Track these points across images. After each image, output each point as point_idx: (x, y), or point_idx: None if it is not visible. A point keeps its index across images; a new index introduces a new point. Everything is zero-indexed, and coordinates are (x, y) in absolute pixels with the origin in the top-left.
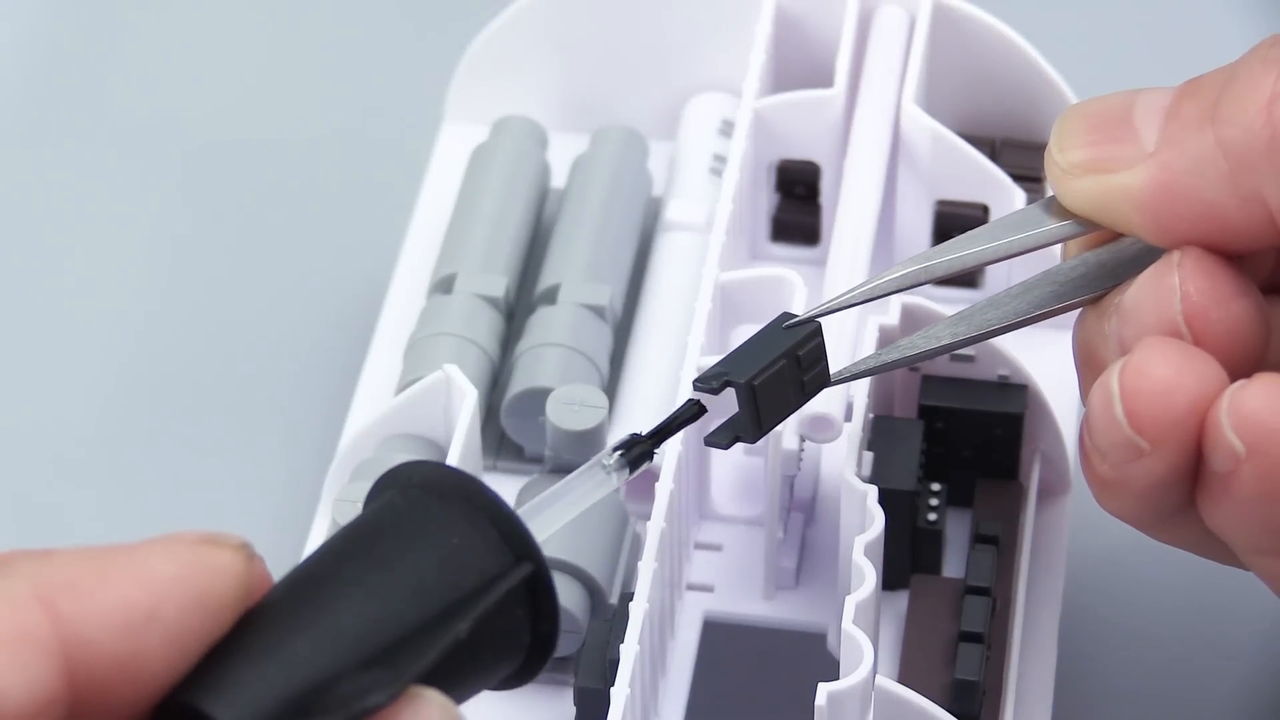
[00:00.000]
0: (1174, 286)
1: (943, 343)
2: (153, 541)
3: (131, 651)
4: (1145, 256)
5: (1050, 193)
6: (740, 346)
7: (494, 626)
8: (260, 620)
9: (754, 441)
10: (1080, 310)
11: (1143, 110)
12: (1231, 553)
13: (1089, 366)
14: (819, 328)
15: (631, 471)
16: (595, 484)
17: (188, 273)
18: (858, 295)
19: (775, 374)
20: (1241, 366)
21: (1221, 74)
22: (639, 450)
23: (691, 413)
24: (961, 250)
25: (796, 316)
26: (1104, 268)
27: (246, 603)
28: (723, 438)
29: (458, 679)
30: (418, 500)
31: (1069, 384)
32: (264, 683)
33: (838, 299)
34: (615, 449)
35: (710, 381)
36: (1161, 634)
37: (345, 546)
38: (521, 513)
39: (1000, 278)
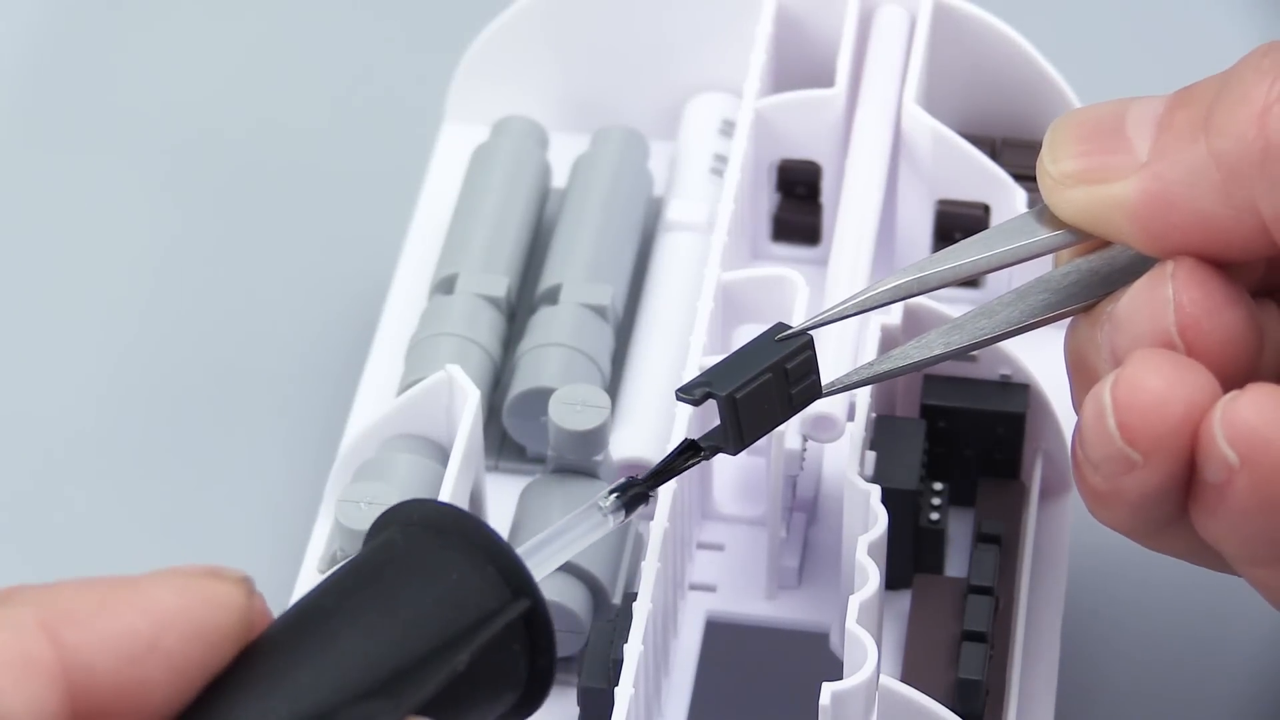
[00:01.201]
0: (1167, 297)
1: (935, 352)
2: (156, 573)
3: (133, 680)
4: (1137, 265)
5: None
6: (728, 356)
7: (492, 660)
8: (262, 652)
9: (734, 454)
10: (1072, 318)
11: (1135, 120)
12: (1225, 562)
13: (1080, 374)
14: (810, 341)
15: (627, 514)
16: (592, 525)
17: (188, 273)
18: (851, 307)
19: (759, 387)
20: (1234, 376)
21: (1213, 83)
22: (635, 492)
23: (687, 456)
24: (955, 260)
25: (791, 328)
26: (1096, 275)
27: (247, 636)
28: (703, 450)
29: (456, 711)
30: (418, 537)
31: None
32: (265, 712)
33: (831, 310)
34: (611, 491)
35: (693, 391)
36: (1164, 633)
37: (346, 582)
38: (520, 551)
39: (1002, 278)
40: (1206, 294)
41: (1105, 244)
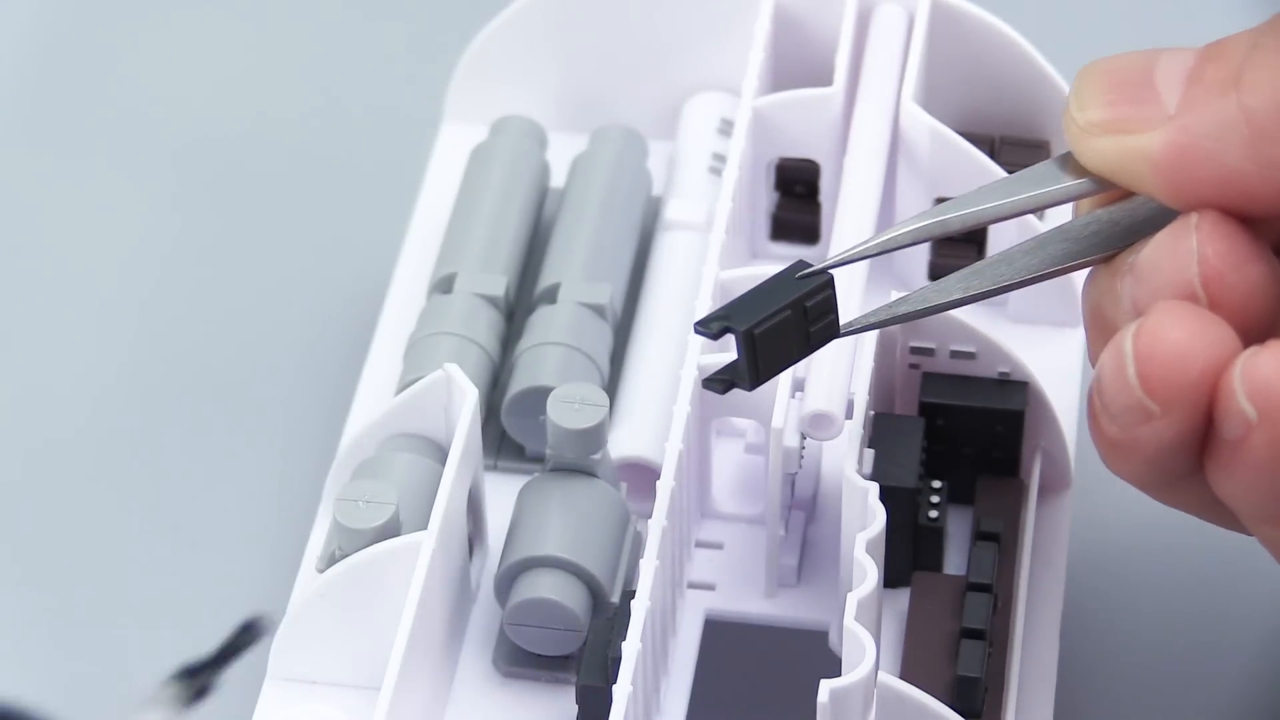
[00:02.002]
0: (1191, 249)
1: (954, 297)
2: None
3: None
4: (1159, 217)
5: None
6: (748, 292)
7: None
8: None
9: (750, 389)
10: (1090, 269)
11: (1164, 71)
12: (1237, 519)
13: (1098, 326)
14: (831, 279)
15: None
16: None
17: (187, 273)
18: (872, 247)
19: (778, 323)
20: (1254, 332)
21: (1245, 38)
22: (199, 685)
23: (247, 641)
24: (976, 205)
25: (812, 266)
26: (1116, 226)
27: None
28: (718, 383)
29: None
30: None
31: (1070, 381)
32: None
33: (852, 250)
34: (172, 678)
35: (711, 325)
36: (1162, 629)
37: None
38: None
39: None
40: (1231, 248)
41: (1127, 195)
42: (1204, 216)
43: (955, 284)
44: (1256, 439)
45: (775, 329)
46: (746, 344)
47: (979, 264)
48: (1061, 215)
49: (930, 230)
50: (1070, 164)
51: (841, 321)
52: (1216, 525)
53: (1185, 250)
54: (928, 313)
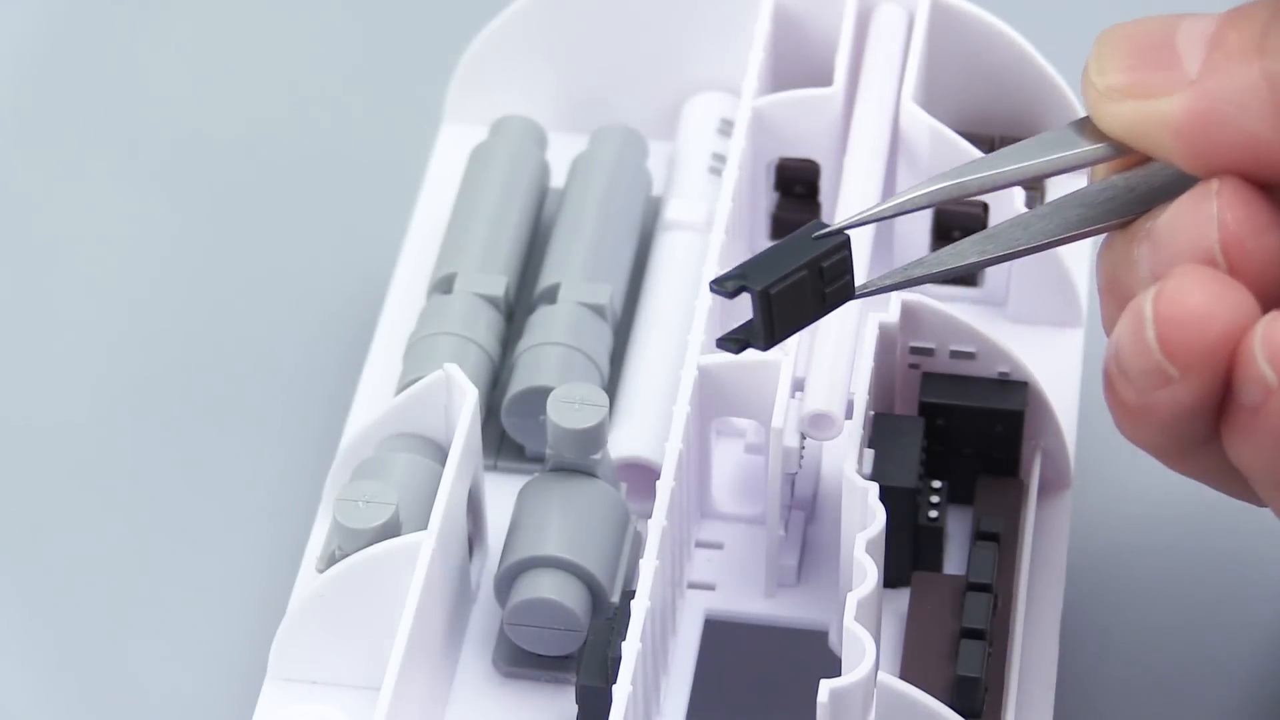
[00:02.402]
0: (1212, 215)
1: (969, 260)
2: None
3: None
4: (1175, 184)
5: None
6: (764, 252)
7: None
8: None
9: (764, 349)
10: (1106, 235)
11: (1186, 36)
12: (1250, 489)
13: (1113, 293)
14: (847, 240)
15: None
16: None
17: (187, 274)
18: (890, 209)
19: (794, 283)
20: (1274, 299)
21: (1269, 4)
22: None
23: None
24: (993, 168)
25: (828, 226)
26: (1133, 193)
27: None
28: (733, 343)
29: None
30: None
31: (1070, 381)
32: None
33: (870, 211)
34: None
35: (726, 284)
36: (1162, 629)
37: None
38: None
39: (1001, 272)
40: (1251, 214)
41: (1144, 161)
42: (1224, 183)
43: (970, 247)
44: (1275, 404)
45: (791, 289)
46: (763, 303)
47: (993, 228)
48: (1077, 181)
49: (948, 191)
50: (1088, 128)
51: (857, 284)
52: (1228, 495)
53: (1205, 216)
54: (943, 276)
